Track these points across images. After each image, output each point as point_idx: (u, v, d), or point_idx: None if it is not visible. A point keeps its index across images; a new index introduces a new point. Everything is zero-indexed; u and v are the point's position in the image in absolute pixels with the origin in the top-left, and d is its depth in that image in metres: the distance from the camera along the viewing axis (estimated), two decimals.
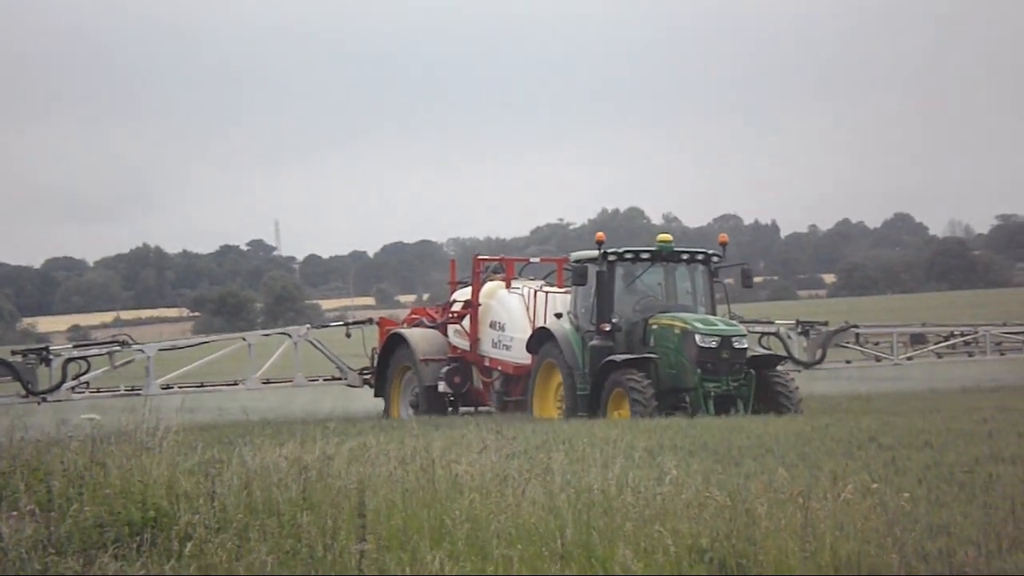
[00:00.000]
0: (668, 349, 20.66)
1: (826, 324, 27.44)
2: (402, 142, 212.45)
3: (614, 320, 21.11)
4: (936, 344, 29.99)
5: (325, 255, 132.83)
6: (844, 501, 8.35)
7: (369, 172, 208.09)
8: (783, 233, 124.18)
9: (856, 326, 28.18)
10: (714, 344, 20.42)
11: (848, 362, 28.36)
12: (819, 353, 26.92)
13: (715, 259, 21.90)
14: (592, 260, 21.54)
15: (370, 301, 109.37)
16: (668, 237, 22.04)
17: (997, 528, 8.37)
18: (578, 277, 21.33)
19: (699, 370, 20.22)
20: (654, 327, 21.07)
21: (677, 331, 20.68)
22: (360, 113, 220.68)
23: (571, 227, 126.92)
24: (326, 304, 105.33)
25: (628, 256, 21.55)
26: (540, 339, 21.95)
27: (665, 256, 21.71)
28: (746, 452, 13.48)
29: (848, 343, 27.85)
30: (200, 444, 11.53)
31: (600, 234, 21.64)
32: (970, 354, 30.31)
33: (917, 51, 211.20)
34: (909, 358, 29.20)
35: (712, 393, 20.17)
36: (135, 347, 23.76)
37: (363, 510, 8.42)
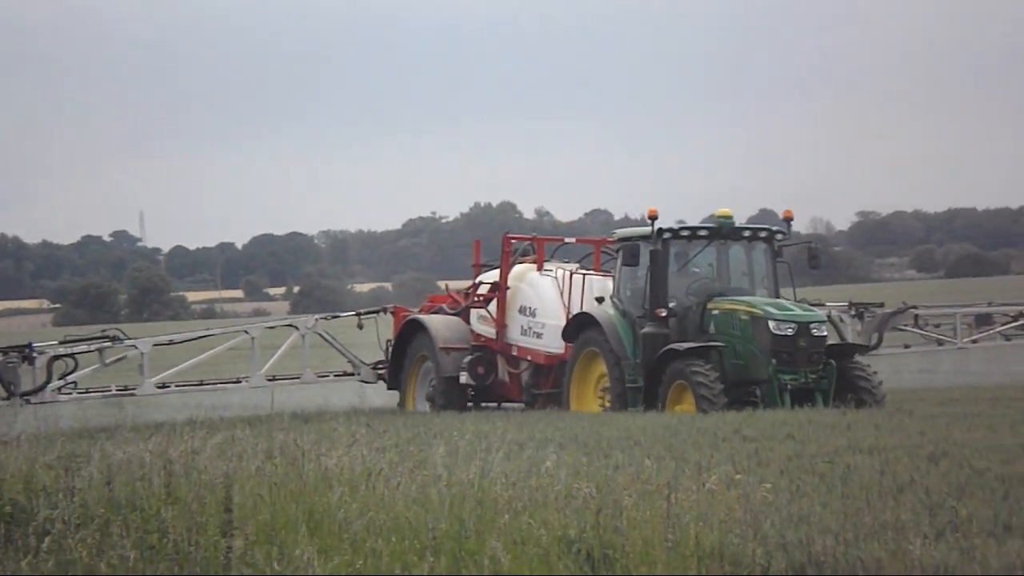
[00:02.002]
0: (734, 337, 18.63)
1: (882, 306, 25.24)
2: (272, 133, 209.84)
3: (670, 305, 19.16)
4: (1004, 325, 27.41)
5: (192, 246, 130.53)
6: (708, 492, 8.53)
7: (238, 163, 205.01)
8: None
9: (915, 307, 25.99)
10: (790, 331, 18.39)
11: (907, 347, 26.08)
12: (875, 337, 24.65)
13: (779, 236, 19.80)
14: (644, 238, 19.49)
15: (238, 294, 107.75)
16: (728, 212, 19.87)
17: (854, 517, 8.63)
18: (629, 257, 19.28)
19: (773, 360, 18.24)
20: (715, 312, 19.01)
21: (745, 317, 18.64)
22: (229, 103, 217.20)
23: (444, 220, 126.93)
24: (192, 296, 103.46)
25: (684, 233, 19.58)
26: (580, 325, 19.95)
27: (725, 233, 19.61)
28: (615, 444, 13.67)
29: (906, 326, 25.55)
30: (60, 439, 11.24)
31: (653, 209, 19.39)
32: None
33: (780, 53, 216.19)
34: (974, 341, 26.76)
35: (788, 386, 18.22)
36: (127, 342, 21.76)
37: (230, 504, 8.31)
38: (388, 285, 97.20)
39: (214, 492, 8.79)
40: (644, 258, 19.23)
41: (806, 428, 14.66)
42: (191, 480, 9.13)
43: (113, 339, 21.81)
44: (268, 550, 7.88)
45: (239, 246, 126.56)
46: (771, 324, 18.37)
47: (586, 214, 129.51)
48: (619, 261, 19.98)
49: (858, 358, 19.05)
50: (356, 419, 16.78)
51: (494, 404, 21.83)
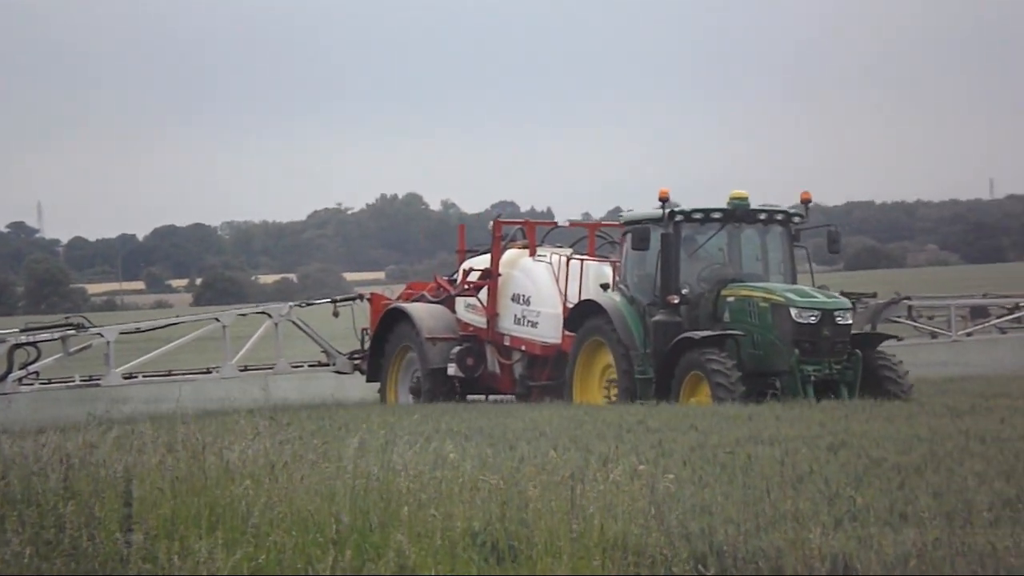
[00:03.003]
0: (752, 326, 17.64)
1: (874, 296, 24.24)
2: (173, 123, 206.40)
3: (683, 291, 18.15)
4: (999, 318, 26.23)
5: (91, 238, 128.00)
6: (612, 483, 8.58)
7: (138, 153, 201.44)
8: (558, 220, 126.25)
9: (908, 298, 24.95)
10: (813, 319, 17.37)
11: (899, 339, 23.89)
12: (868, 328, 23.03)
13: (796, 220, 18.81)
14: (654, 221, 18.40)
15: (140, 285, 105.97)
16: (744, 193, 18.71)
17: (755, 507, 8.74)
18: (638, 241, 18.10)
19: (795, 351, 17.22)
20: (730, 299, 18.02)
21: (764, 304, 17.65)
22: (128, 92, 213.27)
23: (349, 212, 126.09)
24: (93, 288, 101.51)
25: (697, 216, 18.45)
26: (583, 314, 18.88)
27: (740, 216, 18.54)
28: (520, 436, 13.69)
29: (900, 317, 24.37)
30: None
31: (664, 189, 18.30)
32: None
33: (673, 53, 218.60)
34: (968, 334, 25.58)
35: (812, 377, 17.22)
36: (92, 330, 20.61)
37: (129, 499, 8.16)
38: (293, 276, 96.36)
39: (113, 486, 8.62)
40: (654, 242, 18.16)
41: (709, 419, 14.83)
42: (89, 475, 8.95)
43: (77, 327, 20.78)
44: (168, 545, 7.75)
45: (140, 237, 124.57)
46: (793, 312, 17.40)
47: (492, 206, 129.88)
48: (626, 245, 18.77)
49: (883, 347, 18.22)
50: (282, 413, 15.86)
51: (482, 397, 20.80)
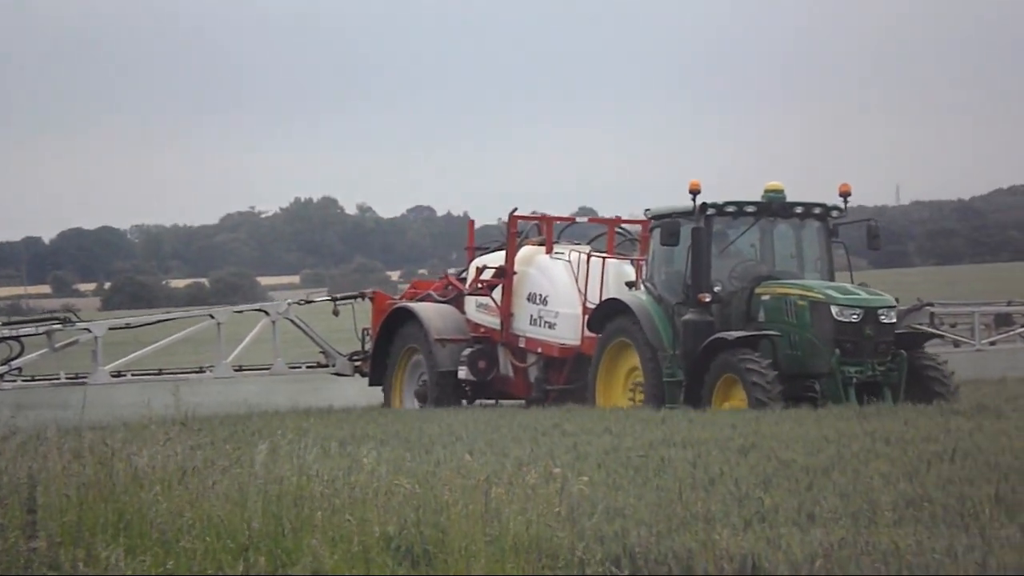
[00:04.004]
0: (789, 325, 16.67)
1: (896, 302, 23.81)
2: (80, 124, 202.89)
3: (716, 289, 17.18)
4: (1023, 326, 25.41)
5: None
6: (527, 486, 8.64)
7: (43, 155, 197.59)
8: (477, 225, 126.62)
9: (931, 304, 24.20)
10: (855, 318, 16.44)
11: (943, 337, 23.73)
12: None
13: (834, 213, 17.79)
14: (684, 214, 17.39)
15: (46, 289, 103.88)
16: (779, 185, 17.73)
17: (667, 509, 8.86)
18: (667, 236, 17.14)
19: (837, 351, 16.30)
20: (764, 298, 17.05)
21: (802, 302, 16.67)
22: (32, 93, 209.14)
23: (263, 215, 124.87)
24: None
25: (730, 209, 17.46)
26: (608, 314, 17.95)
27: (775, 209, 17.58)
28: (436, 440, 13.71)
29: (921, 325, 23.20)
30: None
31: (695, 181, 17.31)
32: None
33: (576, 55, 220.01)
34: (992, 343, 24.61)
35: (854, 379, 16.30)
36: (80, 325, 19.63)
37: (33, 505, 8.02)
38: (205, 281, 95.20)
39: (17, 492, 8.48)
40: (684, 237, 17.15)
41: (623, 422, 14.96)
42: None
43: (64, 321, 19.82)
44: (74, 551, 7.65)
45: (46, 240, 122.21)
46: (834, 310, 16.43)
47: (408, 210, 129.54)
48: (653, 241, 17.97)
49: (982, 340, 17.71)
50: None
51: (491, 401, 19.94)
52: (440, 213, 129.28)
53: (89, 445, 9.69)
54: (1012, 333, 25.41)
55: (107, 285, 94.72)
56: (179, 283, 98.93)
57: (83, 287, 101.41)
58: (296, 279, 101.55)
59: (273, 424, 15.14)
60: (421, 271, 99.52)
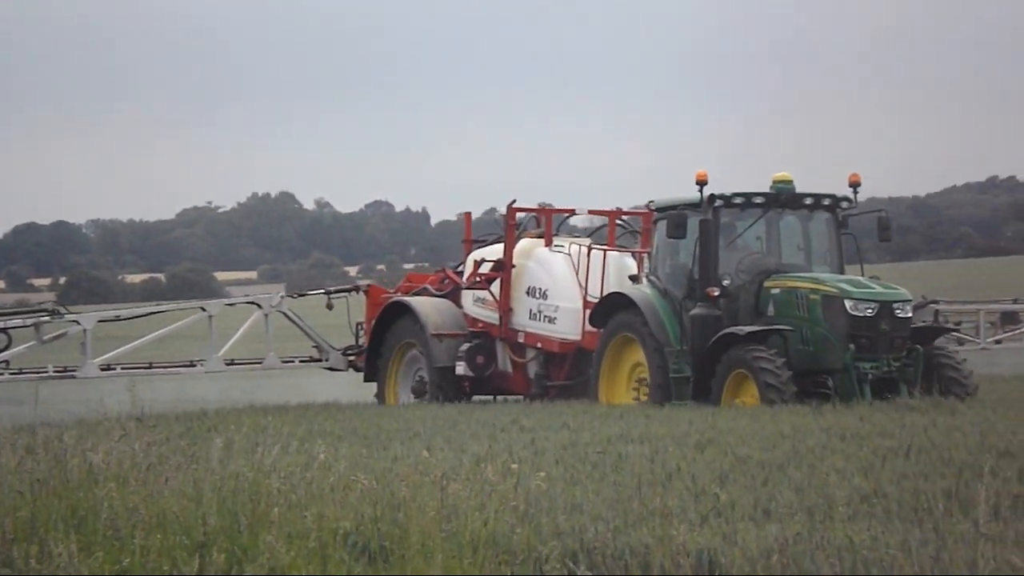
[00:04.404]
0: (800, 320, 16.24)
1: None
2: (34, 118, 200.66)
3: (724, 283, 16.75)
4: None
5: None
6: (485, 482, 8.64)
7: None
8: (433, 221, 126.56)
9: (936, 301, 23.83)
10: (870, 312, 16.01)
11: (958, 331, 23.32)
12: None
13: (844, 205, 17.34)
14: (691, 206, 16.98)
15: (0, 285, 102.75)
16: (788, 175, 17.29)
17: (624, 505, 8.89)
18: (674, 228, 16.69)
19: (852, 346, 15.91)
20: (774, 291, 16.63)
21: (815, 296, 16.26)
22: None
23: (220, 210, 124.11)
24: None
25: (738, 200, 17.00)
26: (611, 307, 17.54)
27: (784, 201, 17.14)
28: (394, 436, 13.68)
29: (925, 322, 21.83)
30: None
31: (702, 171, 16.90)
32: None
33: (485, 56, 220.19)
34: (998, 341, 24.44)
35: (869, 375, 15.88)
36: (68, 317, 19.13)
37: None
38: (161, 276, 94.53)
39: None
40: (691, 229, 16.71)
41: (581, 417, 15.00)
42: None
43: (52, 313, 19.30)
44: (27, 548, 7.58)
45: (0, 235, 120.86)
46: (848, 304, 16.03)
47: (366, 205, 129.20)
48: (658, 233, 17.54)
49: (944, 343, 17.18)
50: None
51: (490, 397, 19.53)
52: (399, 208, 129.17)
53: (43, 441, 9.59)
54: (1018, 331, 25.03)
55: (62, 280, 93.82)
56: (135, 278, 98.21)
57: (38, 282, 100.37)
58: (253, 275, 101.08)
59: (229, 420, 15.04)
60: (380, 266, 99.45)
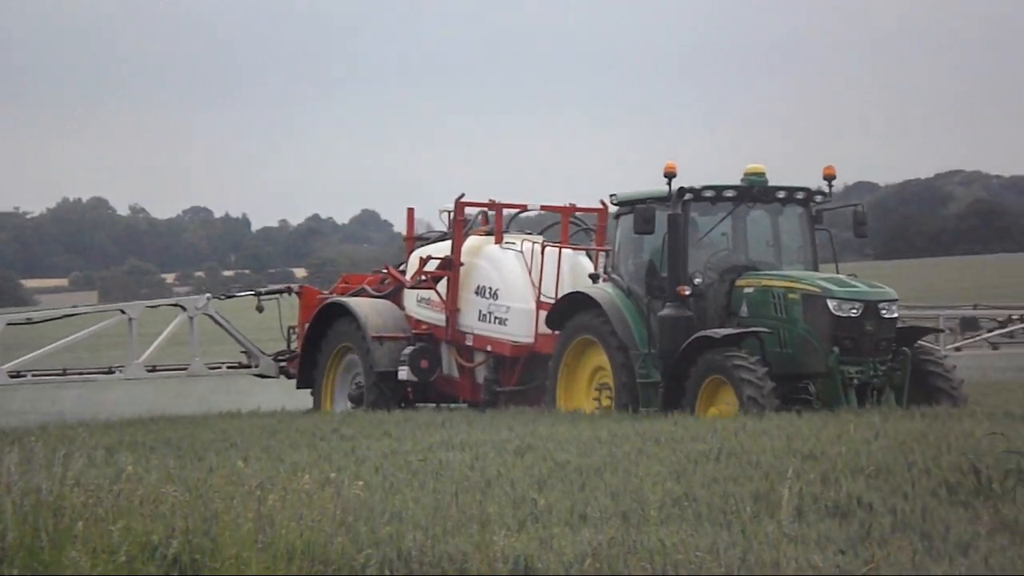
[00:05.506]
0: (778, 321, 15.27)
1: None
2: None
3: (696, 281, 15.67)
4: (990, 331, 24.13)
5: None
6: (302, 492, 8.54)
7: None
8: (254, 227, 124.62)
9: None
10: (855, 313, 15.01)
11: (941, 331, 22.15)
12: None
13: (818, 198, 16.39)
14: (659, 200, 15.93)
15: None
16: (761, 167, 16.34)
17: (443, 512, 8.90)
18: (642, 223, 15.60)
19: (835, 349, 14.91)
20: (748, 290, 15.63)
21: (794, 296, 15.28)
22: None
23: (28, 216, 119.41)
24: None
25: (708, 194, 15.99)
26: (570, 308, 16.43)
27: (757, 194, 16.16)
28: (209, 447, 13.40)
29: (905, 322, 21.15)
30: None
31: (671, 163, 15.86)
32: None
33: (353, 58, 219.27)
34: (958, 349, 23.06)
35: (855, 380, 14.90)
36: None
37: None
38: None
39: None
40: (659, 225, 15.71)
41: (403, 426, 14.96)
42: None
43: None
44: None
45: None
46: (831, 304, 15.03)
47: (184, 211, 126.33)
48: (620, 229, 16.58)
49: (931, 347, 16.39)
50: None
51: (433, 404, 18.40)
52: (218, 215, 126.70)
53: None
54: (979, 338, 24.05)
55: None
56: None
57: None
58: (64, 282, 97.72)
59: (33, 433, 14.46)
60: (198, 273, 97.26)
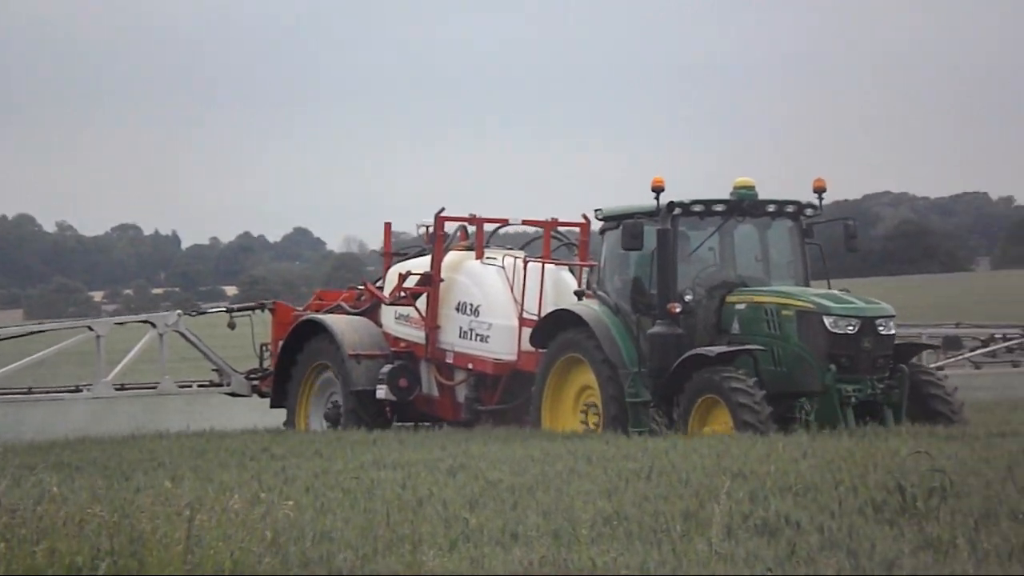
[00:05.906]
0: (771, 338, 14.95)
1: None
2: None
3: (687, 298, 15.36)
4: (973, 351, 23.82)
5: None
6: (232, 512, 8.45)
7: None
8: (184, 245, 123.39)
9: None
10: (851, 329, 14.69)
11: (935, 347, 21.69)
12: None
13: (808, 212, 16.09)
14: (647, 214, 15.61)
15: None
16: (750, 181, 16.05)
17: (374, 532, 8.86)
18: (630, 238, 15.28)
19: (832, 366, 14.62)
20: (739, 307, 15.33)
21: (788, 312, 14.96)
22: None
23: None
24: None
25: (697, 208, 15.70)
26: (555, 326, 16.08)
27: (747, 208, 15.88)
28: (137, 466, 13.24)
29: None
30: None
31: (658, 178, 15.47)
32: (1015, 364, 24.16)
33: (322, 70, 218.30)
34: (940, 367, 22.22)
35: (853, 399, 14.60)
36: None
37: None
38: None
39: None
40: (648, 240, 15.41)
41: (334, 445, 14.88)
42: None
43: None
44: None
45: None
46: (827, 320, 14.72)
47: (112, 228, 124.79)
48: (607, 244, 16.27)
49: (929, 365, 15.97)
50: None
51: (412, 424, 17.90)
52: (147, 232, 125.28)
53: None
54: (961, 358, 23.80)
55: None
56: None
57: None
58: None
59: None
60: (127, 291, 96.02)
